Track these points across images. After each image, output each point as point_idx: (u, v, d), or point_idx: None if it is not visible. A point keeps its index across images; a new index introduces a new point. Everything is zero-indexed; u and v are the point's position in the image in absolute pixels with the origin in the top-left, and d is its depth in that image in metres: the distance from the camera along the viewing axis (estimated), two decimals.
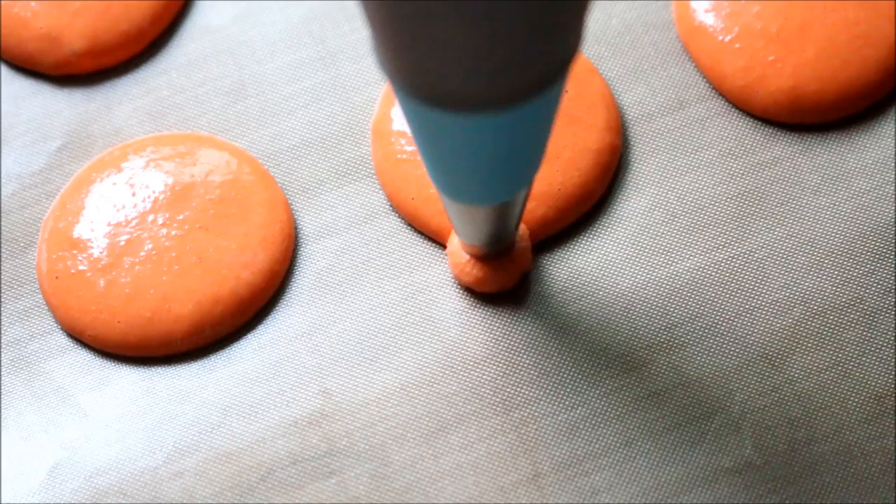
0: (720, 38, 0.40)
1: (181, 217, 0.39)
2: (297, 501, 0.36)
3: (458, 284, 0.38)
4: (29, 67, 0.42)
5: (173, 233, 0.38)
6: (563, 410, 0.37)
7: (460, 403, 0.37)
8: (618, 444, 0.36)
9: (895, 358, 0.37)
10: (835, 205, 0.39)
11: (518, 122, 0.23)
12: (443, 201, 0.31)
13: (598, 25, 0.42)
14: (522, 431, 0.37)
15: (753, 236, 0.38)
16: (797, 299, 0.38)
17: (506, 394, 0.37)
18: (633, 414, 0.37)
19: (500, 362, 0.37)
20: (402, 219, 0.39)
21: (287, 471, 0.36)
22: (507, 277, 0.37)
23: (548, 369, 0.37)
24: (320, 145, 0.41)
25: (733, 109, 0.40)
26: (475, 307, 0.38)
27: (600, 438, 0.36)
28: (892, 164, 0.39)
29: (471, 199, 0.29)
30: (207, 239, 0.38)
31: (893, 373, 0.37)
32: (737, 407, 0.36)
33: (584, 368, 0.37)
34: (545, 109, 0.24)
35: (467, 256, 0.37)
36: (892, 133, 0.40)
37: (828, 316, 0.37)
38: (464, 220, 0.31)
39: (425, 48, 0.21)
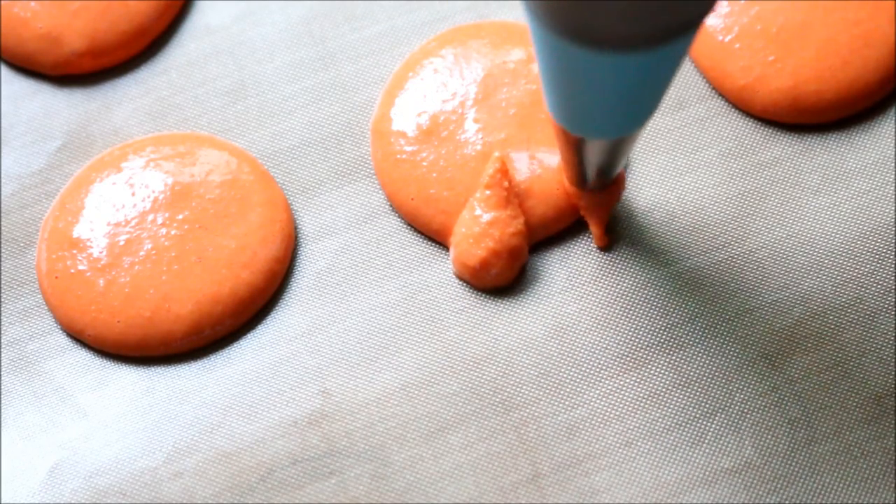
0: (720, 38, 0.40)
1: (181, 217, 0.39)
2: (297, 501, 0.36)
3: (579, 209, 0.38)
4: (29, 67, 0.42)
5: (173, 232, 0.38)
6: (563, 410, 0.37)
7: (460, 403, 0.37)
8: (618, 445, 0.36)
9: (895, 358, 0.37)
10: (835, 205, 0.39)
11: (654, 62, 0.26)
12: (559, 139, 0.32)
13: None
14: (522, 431, 0.37)
15: (753, 236, 0.38)
16: (797, 299, 0.38)
17: (506, 394, 0.37)
18: (633, 414, 0.37)
19: (500, 362, 0.37)
20: (402, 219, 0.39)
21: (287, 471, 0.36)
22: (616, 191, 0.38)
23: (548, 369, 0.37)
24: (320, 145, 0.41)
25: (733, 109, 0.40)
26: (475, 307, 0.38)
27: (600, 438, 0.36)
28: (892, 164, 0.39)
29: (594, 133, 0.30)
30: (207, 238, 0.38)
31: (893, 373, 0.37)
32: (737, 407, 0.36)
33: (584, 368, 0.37)
34: (678, 53, 0.26)
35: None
36: (892, 133, 0.40)
37: (828, 316, 0.37)
38: (580, 154, 0.33)
39: None
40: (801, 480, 0.36)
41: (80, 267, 0.38)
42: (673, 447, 0.36)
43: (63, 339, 0.39)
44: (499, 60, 0.40)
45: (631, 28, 0.24)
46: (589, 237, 0.39)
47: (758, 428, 0.36)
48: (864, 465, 0.36)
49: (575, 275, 0.38)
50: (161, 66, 0.42)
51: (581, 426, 0.37)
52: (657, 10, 0.24)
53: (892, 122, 0.40)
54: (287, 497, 0.36)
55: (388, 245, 0.39)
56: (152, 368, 0.38)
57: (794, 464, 0.36)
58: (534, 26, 0.26)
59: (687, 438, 0.36)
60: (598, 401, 0.37)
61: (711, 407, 0.37)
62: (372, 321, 0.38)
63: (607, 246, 0.38)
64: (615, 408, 0.37)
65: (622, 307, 0.38)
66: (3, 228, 0.40)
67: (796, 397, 0.36)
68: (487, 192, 0.37)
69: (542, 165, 0.38)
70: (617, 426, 0.37)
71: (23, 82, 0.42)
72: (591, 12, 0.24)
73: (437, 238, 0.39)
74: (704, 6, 0.25)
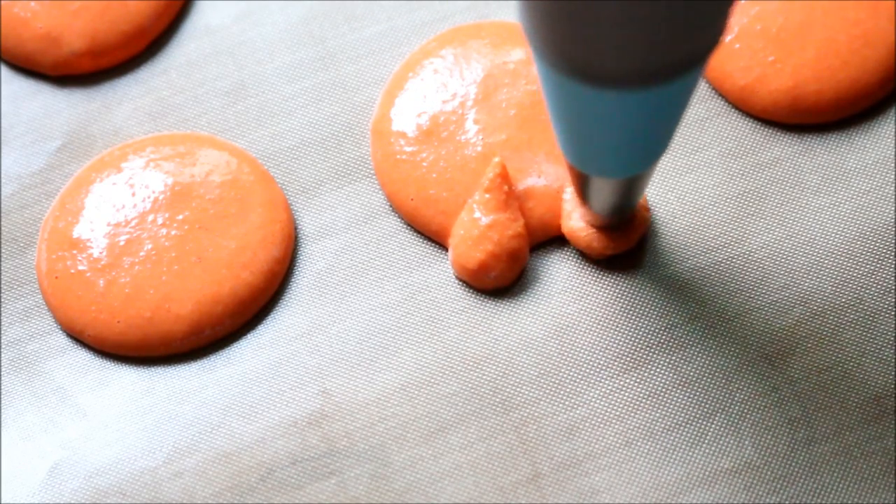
0: None
1: (181, 217, 0.39)
2: (297, 501, 0.36)
3: (577, 249, 0.38)
4: (29, 67, 0.42)
5: (173, 233, 0.38)
6: (563, 410, 0.37)
7: (460, 403, 0.37)
8: (618, 445, 0.36)
9: (895, 358, 0.37)
10: (835, 205, 0.39)
11: (661, 99, 0.25)
12: (571, 175, 0.32)
13: None
14: (522, 431, 0.37)
15: (753, 236, 0.38)
16: (797, 299, 0.38)
17: (506, 394, 0.37)
18: (633, 414, 0.37)
19: (499, 362, 0.37)
20: (402, 219, 0.39)
21: (287, 471, 0.36)
22: (626, 240, 0.37)
23: (548, 369, 0.37)
24: (320, 145, 0.41)
25: (733, 109, 0.40)
26: (475, 307, 0.38)
27: (600, 438, 0.36)
28: (892, 164, 0.39)
29: (604, 172, 0.30)
30: (207, 239, 0.38)
31: (893, 373, 0.37)
32: (737, 407, 0.36)
33: (584, 368, 0.37)
34: (685, 90, 0.26)
35: (583, 224, 0.37)
36: (892, 133, 0.40)
37: (828, 316, 0.37)
38: (592, 191, 0.33)
39: (588, 29, 0.23)
40: (801, 480, 0.36)
41: (80, 267, 0.38)
42: (673, 447, 0.36)
43: (63, 339, 0.39)
44: (499, 61, 0.40)
45: (635, 65, 0.24)
46: None
47: (758, 428, 0.36)
48: (864, 465, 0.36)
49: (575, 275, 0.38)
50: (161, 66, 0.42)
51: (581, 426, 0.37)
52: (661, 47, 0.23)
53: (892, 122, 0.40)
54: (287, 497, 0.36)
55: (388, 245, 0.39)
56: (152, 368, 0.38)
57: (794, 464, 0.36)
58: (539, 63, 0.26)
59: (687, 438, 0.36)
60: (598, 401, 0.37)
61: (711, 407, 0.37)
62: (372, 321, 0.38)
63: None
64: (615, 408, 0.37)
65: (622, 307, 0.38)
66: (3, 228, 0.40)
67: (796, 397, 0.37)
68: (487, 196, 0.37)
69: (542, 167, 0.38)
70: (617, 426, 0.37)
71: (23, 82, 0.42)
72: (595, 50, 0.23)
73: (436, 239, 0.39)
74: (709, 42, 0.24)
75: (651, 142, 0.28)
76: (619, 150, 0.28)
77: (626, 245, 0.37)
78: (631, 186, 0.31)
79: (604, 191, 0.32)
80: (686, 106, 0.27)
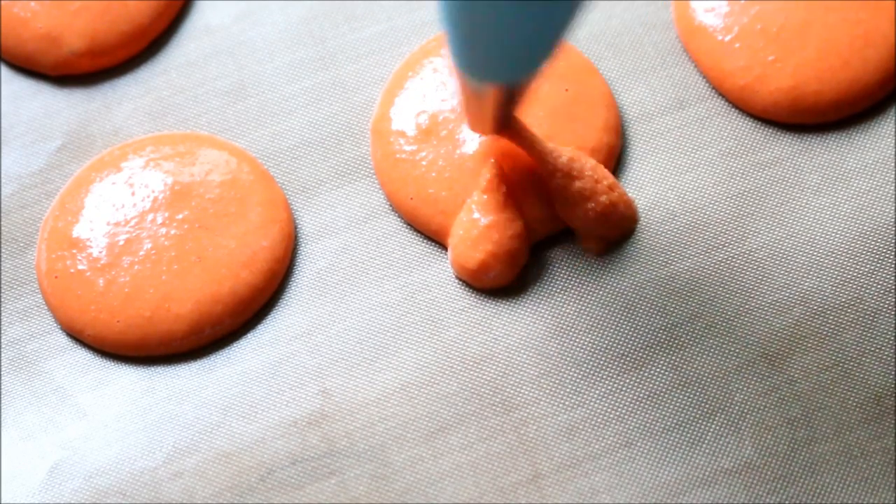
0: (720, 37, 0.40)
1: (180, 216, 0.39)
2: (297, 501, 0.36)
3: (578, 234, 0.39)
4: (29, 67, 0.42)
5: (172, 232, 0.38)
6: (563, 411, 0.37)
7: (460, 403, 0.37)
8: (618, 445, 0.36)
9: (895, 358, 0.37)
10: (835, 205, 0.39)
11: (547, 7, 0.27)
12: (458, 84, 0.33)
13: (598, 25, 0.42)
14: (522, 432, 0.37)
15: (753, 236, 0.38)
16: (797, 299, 0.38)
17: (505, 394, 0.37)
18: (633, 414, 0.37)
19: (499, 362, 0.37)
20: (402, 218, 0.39)
21: (287, 471, 0.36)
22: (619, 228, 0.38)
23: (548, 369, 0.37)
24: (320, 145, 0.41)
25: (733, 109, 0.40)
26: (475, 307, 0.38)
27: (600, 439, 0.36)
28: (892, 164, 0.39)
29: (487, 75, 0.31)
30: (207, 238, 0.38)
31: (893, 373, 0.37)
32: (737, 407, 0.36)
33: (584, 368, 0.37)
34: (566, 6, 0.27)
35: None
36: (892, 133, 0.40)
37: (828, 316, 0.37)
38: (474, 99, 0.33)
39: None
40: (801, 480, 0.36)
41: (80, 267, 0.38)
42: (673, 447, 0.36)
43: (63, 339, 0.39)
44: None
45: None
46: None
47: (758, 428, 0.36)
48: (864, 465, 0.36)
49: (575, 274, 0.38)
50: (161, 66, 0.42)
51: (581, 426, 0.37)
52: None
53: (892, 122, 0.40)
54: (287, 497, 0.36)
55: (388, 245, 0.39)
56: (152, 368, 0.38)
57: (794, 464, 0.36)
58: None
59: (687, 438, 0.36)
60: (597, 401, 0.37)
61: (711, 407, 0.37)
62: (372, 321, 0.38)
63: (602, 253, 0.38)
64: (615, 408, 0.37)
65: (622, 307, 0.38)
66: (3, 228, 0.40)
67: (796, 397, 0.36)
68: (485, 197, 0.37)
69: None
70: (617, 426, 0.37)
71: (23, 82, 0.42)
72: None
73: (436, 238, 0.39)
74: None
75: (533, 48, 0.29)
76: (504, 52, 0.29)
77: (620, 232, 0.37)
78: (509, 96, 0.32)
79: (489, 97, 0.32)
80: (570, 19, 0.28)
